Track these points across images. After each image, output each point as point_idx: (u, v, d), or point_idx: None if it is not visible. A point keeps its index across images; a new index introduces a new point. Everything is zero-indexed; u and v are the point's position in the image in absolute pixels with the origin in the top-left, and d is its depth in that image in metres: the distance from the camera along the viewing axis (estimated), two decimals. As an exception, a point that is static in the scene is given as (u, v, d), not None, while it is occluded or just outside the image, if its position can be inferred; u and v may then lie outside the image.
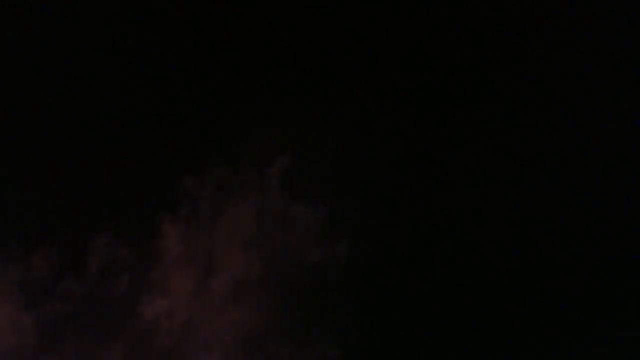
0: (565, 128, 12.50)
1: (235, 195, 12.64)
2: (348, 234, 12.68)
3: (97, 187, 12.25)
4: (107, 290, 11.82)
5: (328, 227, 12.68)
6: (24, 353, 11.40)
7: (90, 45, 13.13)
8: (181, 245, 12.17)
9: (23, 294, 11.58)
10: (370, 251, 12.63)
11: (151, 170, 12.40)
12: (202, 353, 11.81)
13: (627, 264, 11.93)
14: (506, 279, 12.13)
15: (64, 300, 11.66)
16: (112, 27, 13.18)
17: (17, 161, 12.23)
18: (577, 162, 12.42)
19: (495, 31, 12.65)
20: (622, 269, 11.95)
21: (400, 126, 12.94)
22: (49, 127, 12.44)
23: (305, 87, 13.12)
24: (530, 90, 12.60)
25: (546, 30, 12.76)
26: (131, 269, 11.93)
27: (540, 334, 11.87)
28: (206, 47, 13.23)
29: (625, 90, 12.51)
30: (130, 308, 11.77)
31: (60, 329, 11.58)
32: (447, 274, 12.39)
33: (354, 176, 12.87)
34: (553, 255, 12.16)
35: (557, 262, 12.12)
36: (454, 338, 12.11)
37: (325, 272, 12.48)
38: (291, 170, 12.82)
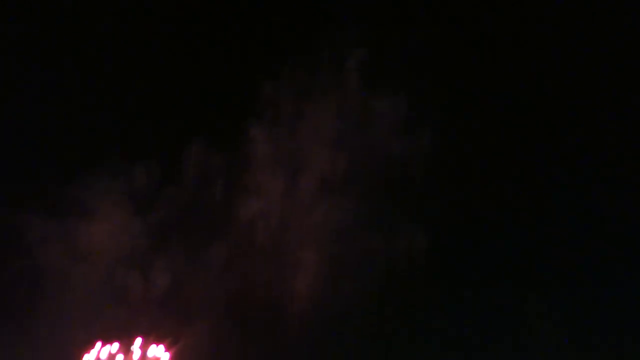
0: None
1: (316, 94, 12.92)
2: (431, 124, 12.77)
3: (185, 99, 12.90)
4: (204, 195, 12.69)
5: (411, 118, 12.81)
6: (136, 253, 12.62)
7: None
8: (269, 148, 12.74)
9: (131, 203, 12.66)
10: (454, 141, 12.73)
11: (234, 79, 12.86)
12: (296, 248, 12.59)
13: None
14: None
15: (167, 206, 12.66)
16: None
17: (114, 86, 12.99)
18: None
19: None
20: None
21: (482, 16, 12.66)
22: (139, 56, 12.99)
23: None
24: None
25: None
26: (224, 173, 12.70)
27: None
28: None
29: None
30: (227, 210, 12.63)
31: (167, 231, 12.66)
32: (535, 163, 12.41)
33: (434, 66, 12.79)
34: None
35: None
36: (541, 224, 12.29)
37: (410, 163, 12.74)
38: (370, 64, 12.89)
